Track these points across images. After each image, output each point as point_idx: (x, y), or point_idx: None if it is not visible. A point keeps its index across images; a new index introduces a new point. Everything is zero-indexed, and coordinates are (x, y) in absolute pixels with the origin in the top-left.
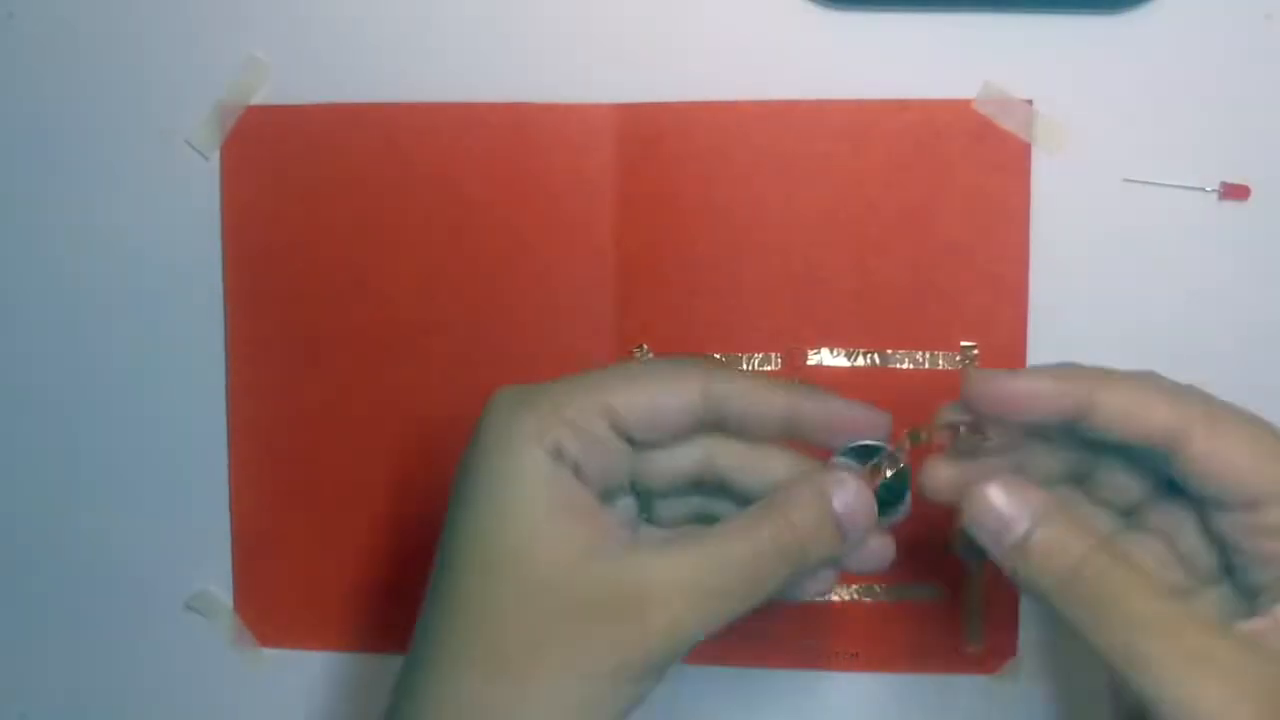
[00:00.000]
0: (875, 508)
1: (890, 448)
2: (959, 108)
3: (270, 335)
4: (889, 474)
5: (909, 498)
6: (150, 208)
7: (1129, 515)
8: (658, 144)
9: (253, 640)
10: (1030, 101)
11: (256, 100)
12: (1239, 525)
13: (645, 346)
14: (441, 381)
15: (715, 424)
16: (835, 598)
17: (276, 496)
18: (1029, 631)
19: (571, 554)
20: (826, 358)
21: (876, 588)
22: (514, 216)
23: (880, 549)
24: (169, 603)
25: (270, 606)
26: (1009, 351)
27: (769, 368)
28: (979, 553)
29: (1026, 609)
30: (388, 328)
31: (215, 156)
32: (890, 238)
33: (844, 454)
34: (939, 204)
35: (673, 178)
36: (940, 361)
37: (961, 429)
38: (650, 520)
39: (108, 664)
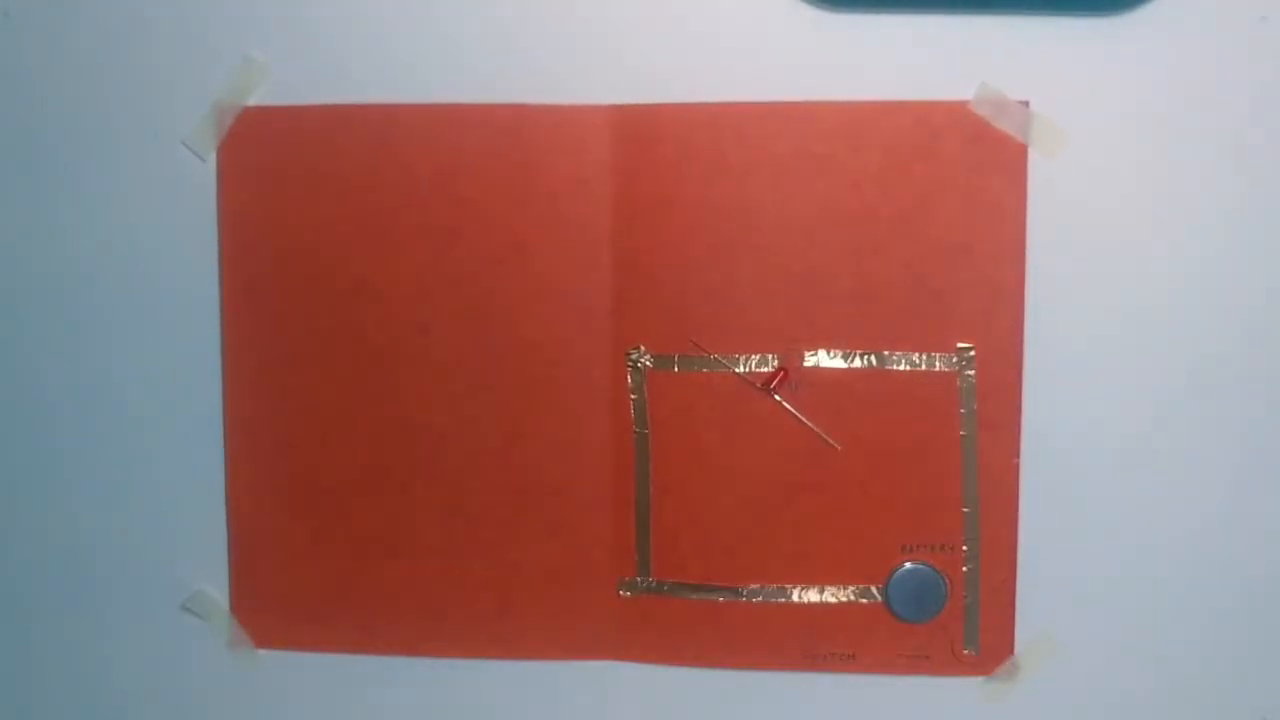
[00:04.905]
0: None
1: None
2: (955, 109)
3: (267, 336)
4: None
5: None
6: (147, 208)
7: None
8: (654, 145)
9: (249, 641)
10: (1027, 103)
11: (253, 101)
12: None
13: (642, 347)
14: (437, 382)
15: None
16: (831, 599)
17: (273, 497)
18: (1025, 632)
19: None
20: (823, 359)
21: (873, 589)
22: (511, 217)
23: None
24: (165, 604)
25: (267, 607)
26: (1005, 352)
27: (765, 368)
28: None
29: (1023, 609)
30: (384, 328)
31: (212, 157)
32: (887, 239)
33: None
34: (935, 205)
35: (669, 179)
36: (937, 363)
37: None
38: None
39: (104, 665)
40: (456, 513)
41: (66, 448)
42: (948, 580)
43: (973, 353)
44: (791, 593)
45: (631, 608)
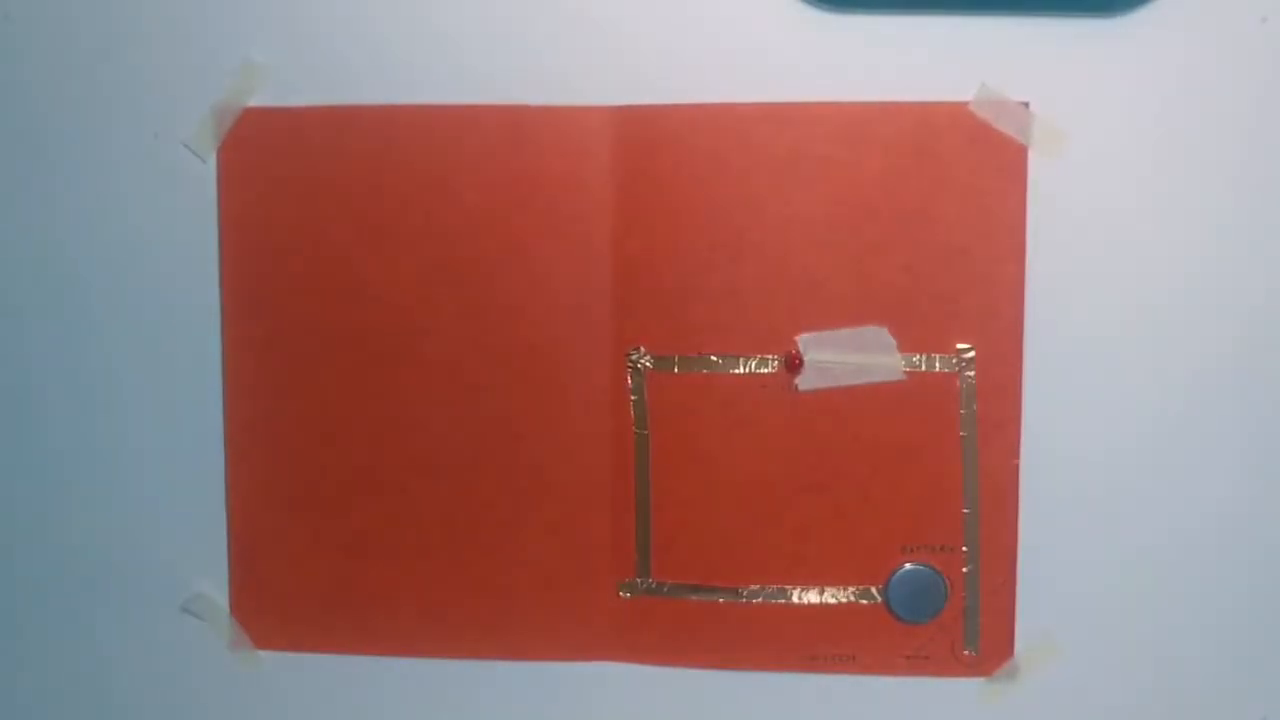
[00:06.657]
0: None
1: None
2: (956, 110)
3: (267, 337)
4: None
5: None
6: (147, 210)
7: None
8: (655, 146)
9: (249, 643)
10: (1027, 104)
11: (253, 103)
12: None
13: (642, 348)
14: (438, 384)
15: None
16: (831, 600)
17: (273, 498)
18: (1025, 634)
19: None
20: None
21: (873, 590)
22: (511, 219)
23: None
24: (165, 605)
25: (267, 609)
26: (1005, 354)
27: (765, 370)
28: None
29: (1023, 610)
30: (384, 330)
31: (212, 159)
32: (887, 240)
33: None
34: (936, 206)
35: (670, 180)
36: (936, 364)
37: None
38: None
39: (104, 667)
40: (456, 513)
41: (66, 448)
42: (948, 581)
43: (972, 354)
44: (791, 593)
45: (631, 609)
